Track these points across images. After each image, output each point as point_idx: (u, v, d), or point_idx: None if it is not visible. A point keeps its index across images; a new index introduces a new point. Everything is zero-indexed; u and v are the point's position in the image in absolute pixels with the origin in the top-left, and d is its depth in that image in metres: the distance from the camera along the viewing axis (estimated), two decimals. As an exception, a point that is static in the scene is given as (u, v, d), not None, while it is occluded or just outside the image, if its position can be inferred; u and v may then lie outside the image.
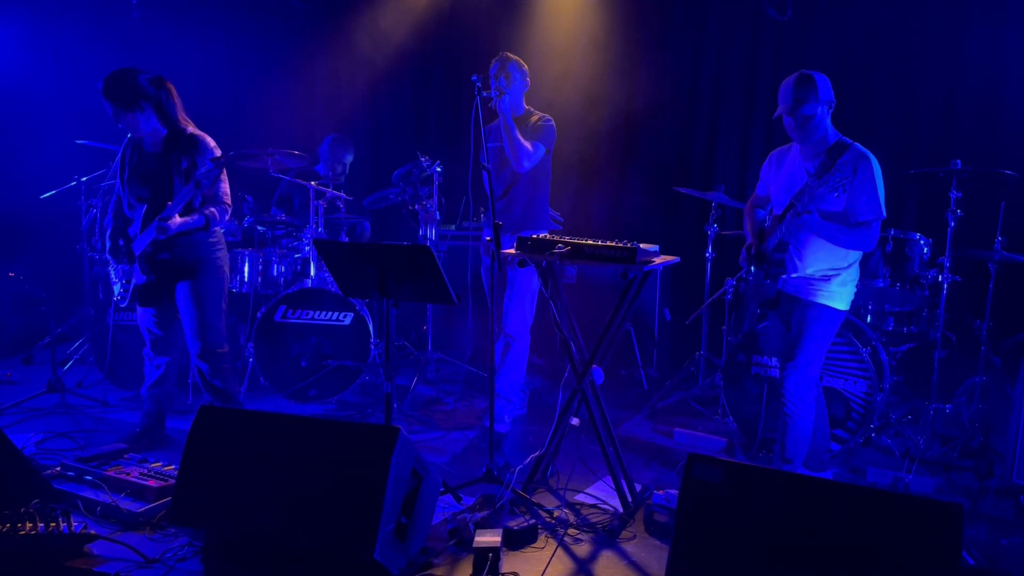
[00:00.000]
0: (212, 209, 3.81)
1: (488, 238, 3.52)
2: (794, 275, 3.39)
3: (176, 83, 3.83)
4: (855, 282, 3.43)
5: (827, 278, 3.35)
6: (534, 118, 4.23)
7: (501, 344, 4.25)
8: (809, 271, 3.36)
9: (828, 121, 3.31)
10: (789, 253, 3.38)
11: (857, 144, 3.25)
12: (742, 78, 5.74)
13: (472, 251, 5.25)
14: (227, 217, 3.91)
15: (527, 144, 4.08)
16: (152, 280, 3.81)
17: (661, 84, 5.87)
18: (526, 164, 4.12)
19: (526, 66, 4.26)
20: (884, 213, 3.23)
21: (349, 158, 5.84)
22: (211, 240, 3.90)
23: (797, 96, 3.23)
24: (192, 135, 3.81)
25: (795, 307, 3.43)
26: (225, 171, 3.87)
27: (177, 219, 3.68)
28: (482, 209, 5.42)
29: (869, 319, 4.46)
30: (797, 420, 3.41)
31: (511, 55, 4.23)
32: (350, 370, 4.73)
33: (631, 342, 5.28)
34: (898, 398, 4.57)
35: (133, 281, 3.85)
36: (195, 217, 3.75)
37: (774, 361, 4.09)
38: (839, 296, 3.36)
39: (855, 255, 3.38)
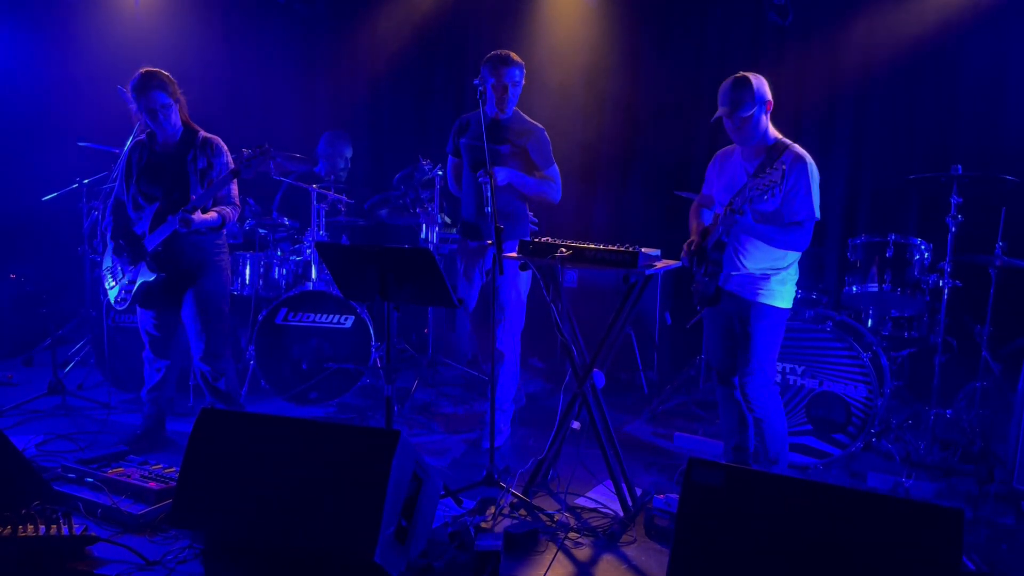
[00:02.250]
0: (226, 208, 3.85)
1: (489, 242, 3.52)
2: (734, 273, 3.42)
3: (178, 85, 3.85)
4: (795, 281, 3.47)
5: (766, 276, 3.38)
6: (529, 133, 3.96)
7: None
8: (748, 269, 3.40)
9: (766, 121, 3.33)
10: (728, 252, 3.39)
11: (796, 146, 3.31)
12: (743, 82, 5.74)
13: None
14: (236, 217, 3.94)
15: (550, 180, 4.00)
16: (162, 278, 3.82)
17: (662, 88, 5.88)
18: (560, 194, 4.05)
19: (521, 60, 3.95)
20: (817, 215, 3.28)
21: (349, 152, 5.84)
22: (217, 242, 3.92)
23: (734, 98, 3.25)
24: (206, 137, 3.86)
25: (737, 306, 3.44)
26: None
27: (200, 214, 3.71)
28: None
29: (870, 323, 4.46)
30: (770, 420, 3.47)
31: (508, 55, 3.88)
32: (351, 373, 4.73)
33: (632, 346, 5.28)
34: (898, 403, 4.56)
35: (140, 280, 3.85)
36: (213, 216, 3.79)
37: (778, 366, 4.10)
38: (779, 295, 3.40)
39: (792, 255, 3.41)
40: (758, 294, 3.39)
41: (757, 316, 3.39)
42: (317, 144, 5.81)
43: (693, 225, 3.66)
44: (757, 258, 3.39)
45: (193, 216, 3.67)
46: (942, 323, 4.20)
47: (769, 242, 3.30)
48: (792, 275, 3.45)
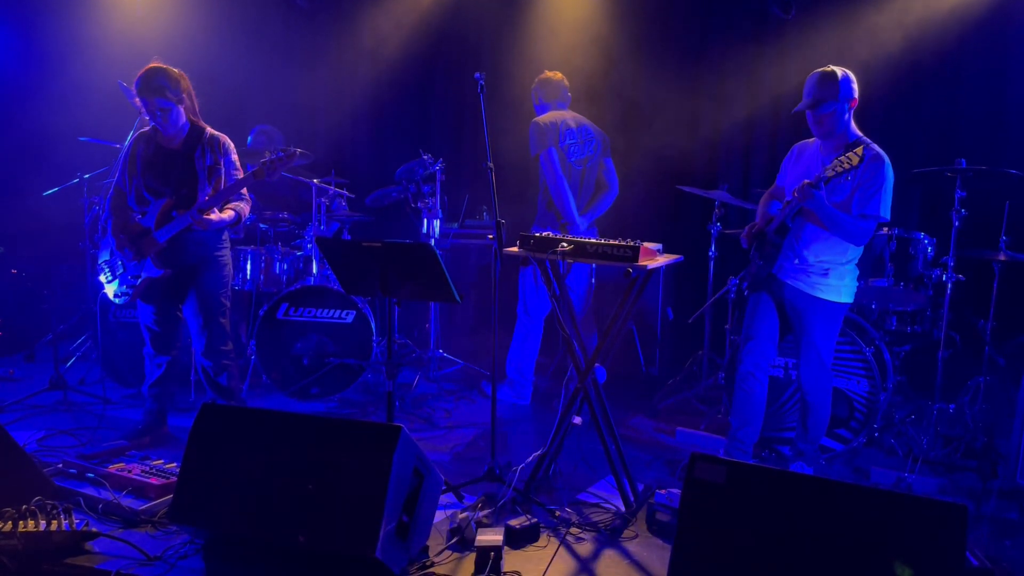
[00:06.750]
0: (240, 204, 3.86)
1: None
2: (791, 263, 3.46)
3: (188, 80, 3.83)
4: (854, 276, 3.51)
5: (825, 271, 3.43)
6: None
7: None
8: (807, 260, 3.44)
9: (848, 118, 3.37)
10: (788, 238, 3.45)
11: (875, 145, 3.34)
12: (746, 76, 5.73)
13: (475, 249, 5.22)
14: (249, 210, 3.95)
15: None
16: (168, 274, 3.81)
17: (664, 82, 5.86)
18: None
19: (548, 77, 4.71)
20: (887, 216, 3.32)
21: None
22: (220, 238, 3.92)
23: (817, 94, 3.30)
24: (213, 135, 3.85)
25: (792, 296, 3.49)
26: (241, 167, 3.89)
27: (216, 213, 3.72)
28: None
29: (873, 318, 4.44)
30: (818, 406, 3.60)
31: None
32: (352, 368, 4.72)
33: (634, 341, 5.27)
34: (901, 398, 4.55)
35: (144, 275, 3.84)
36: (230, 214, 3.81)
37: (778, 360, 4.08)
38: (837, 289, 3.45)
39: (853, 251, 3.46)
40: (817, 288, 3.43)
41: (816, 310, 3.45)
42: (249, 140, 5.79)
43: (759, 211, 3.72)
44: (817, 250, 3.43)
45: (211, 218, 3.68)
46: (945, 318, 4.18)
47: (835, 226, 3.31)
48: (851, 271, 3.49)
